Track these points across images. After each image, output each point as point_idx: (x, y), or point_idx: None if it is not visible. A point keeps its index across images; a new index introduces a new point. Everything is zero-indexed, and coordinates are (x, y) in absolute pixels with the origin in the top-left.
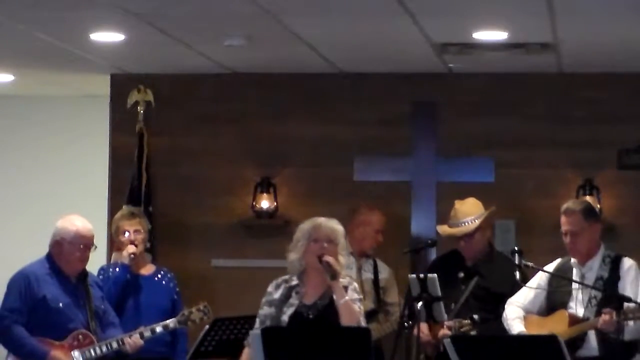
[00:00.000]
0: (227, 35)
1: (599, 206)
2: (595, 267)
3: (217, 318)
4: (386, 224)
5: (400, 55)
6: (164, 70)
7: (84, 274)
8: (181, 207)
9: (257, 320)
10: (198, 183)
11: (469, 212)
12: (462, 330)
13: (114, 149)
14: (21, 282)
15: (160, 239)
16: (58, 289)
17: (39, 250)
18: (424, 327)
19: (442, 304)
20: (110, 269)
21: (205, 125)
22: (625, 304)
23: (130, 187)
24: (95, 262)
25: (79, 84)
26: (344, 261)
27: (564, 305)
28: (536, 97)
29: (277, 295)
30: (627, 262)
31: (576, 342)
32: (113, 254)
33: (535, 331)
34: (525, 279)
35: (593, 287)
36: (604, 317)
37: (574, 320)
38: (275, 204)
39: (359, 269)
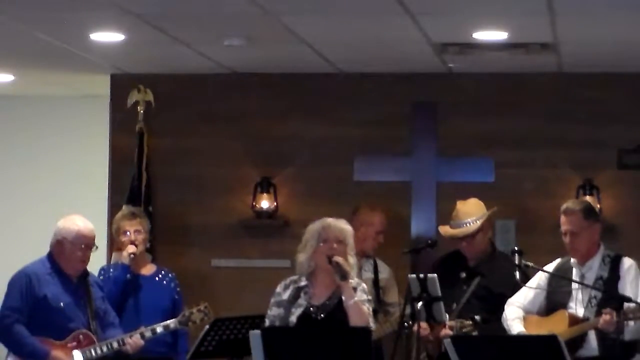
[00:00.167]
0: (227, 35)
1: (599, 206)
2: (595, 267)
3: (217, 318)
4: (386, 224)
5: (400, 55)
6: (164, 70)
7: (85, 274)
8: (181, 207)
9: (267, 320)
10: (198, 183)
11: (471, 213)
12: (463, 330)
13: (114, 149)
14: (22, 282)
15: (160, 239)
16: (59, 289)
17: (39, 250)
18: (423, 324)
19: (442, 304)
20: (111, 269)
21: (205, 125)
22: (625, 304)
23: (130, 187)
24: (96, 262)
25: (79, 84)
26: (353, 262)
27: (564, 305)
28: (536, 97)
29: (285, 296)
30: (627, 262)
31: (576, 342)
32: (113, 254)
33: (535, 331)
34: (526, 279)
35: (593, 287)
36: (605, 317)
37: (573, 320)
38: (275, 204)
39: (359, 269)
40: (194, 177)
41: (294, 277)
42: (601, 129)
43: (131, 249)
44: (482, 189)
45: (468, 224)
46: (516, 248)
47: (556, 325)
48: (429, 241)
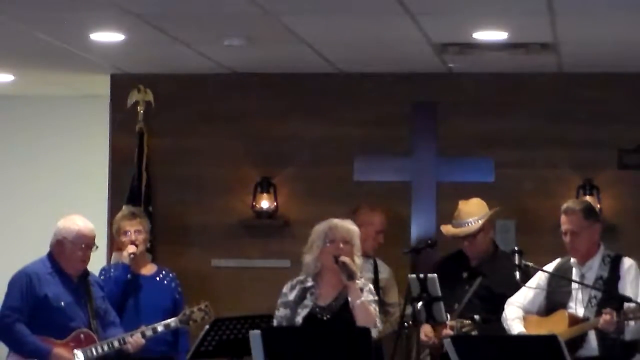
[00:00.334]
0: (227, 35)
1: (599, 206)
2: (595, 267)
3: (217, 318)
4: (386, 224)
5: (400, 55)
6: (164, 70)
7: (85, 274)
8: (181, 207)
9: (274, 321)
10: (198, 183)
11: (473, 212)
12: (463, 330)
13: (114, 149)
14: (22, 281)
15: (160, 239)
16: (59, 288)
17: (39, 250)
18: (427, 329)
19: (442, 304)
20: (112, 270)
21: (205, 125)
22: (625, 304)
23: (130, 187)
24: (96, 262)
25: (79, 84)
26: (359, 262)
27: (564, 305)
28: (536, 97)
29: (291, 296)
30: (627, 262)
31: (576, 342)
32: (113, 254)
33: (535, 331)
34: (527, 279)
35: (593, 287)
36: (605, 317)
37: (573, 320)
38: (275, 204)
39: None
40: (194, 177)
41: (301, 277)
42: (601, 129)
43: (132, 249)
44: (482, 189)
45: (470, 224)
46: (516, 248)
47: (556, 325)
48: (429, 241)
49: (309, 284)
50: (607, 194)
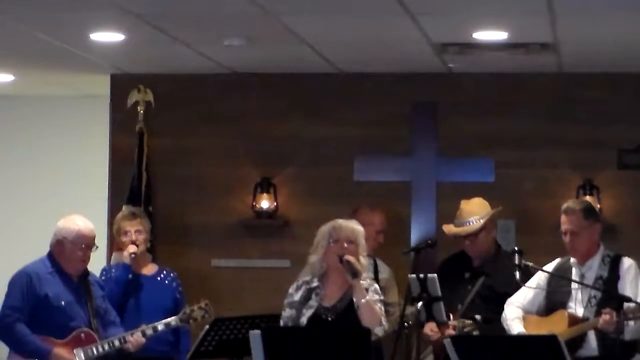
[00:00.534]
0: (227, 35)
1: (599, 206)
2: (594, 267)
3: (217, 318)
4: (386, 224)
5: (400, 55)
6: (164, 70)
7: (86, 273)
8: (181, 207)
9: (281, 322)
10: (198, 183)
11: (474, 212)
12: (465, 330)
13: (114, 149)
14: (23, 281)
15: (160, 239)
16: (60, 288)
17: (39, 250)
18: (432, 324)
19: (442, 304)
20: (113, 270)
21: (205, 125)
22: (625, 304)
23: (130, 187)
24: (96, 262)
25: (79, 84)
26: (364, 262)
27: (564, 305)
28: (536, 97)
29: (297, 297)
30: (627, 262)
31: (576, 342)
32: (113, 254)
33: (535, 331)
34: (527, 279)
35: (593, 287)
36: (605, 317)
37: (573, 320)
38: (275, 204)
39: None
40: (194, 177)
41: (307, 278)
42: (601, 129)
43: (132, 248)
44: (482, 189)
45: (471, 223)
46: (516, 248)
47: (556, 325)
48: (429, 241)
49: (315, 284)
50: (607, 194)
